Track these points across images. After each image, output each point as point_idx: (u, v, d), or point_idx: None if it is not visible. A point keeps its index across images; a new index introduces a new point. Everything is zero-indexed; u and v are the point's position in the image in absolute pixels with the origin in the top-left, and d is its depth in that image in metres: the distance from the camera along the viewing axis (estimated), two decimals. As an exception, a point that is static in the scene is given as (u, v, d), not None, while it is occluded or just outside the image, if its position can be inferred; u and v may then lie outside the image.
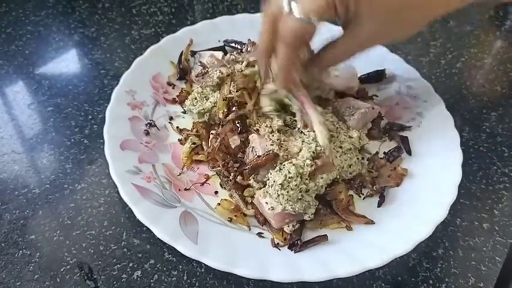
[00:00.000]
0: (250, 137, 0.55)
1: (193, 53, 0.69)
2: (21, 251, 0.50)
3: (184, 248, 0.48)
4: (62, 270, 0.49)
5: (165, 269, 0.50)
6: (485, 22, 0.88)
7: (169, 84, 0.67)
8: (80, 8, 0.82)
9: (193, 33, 0.71)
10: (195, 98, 0.62)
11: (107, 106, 0.59)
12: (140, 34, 0.78)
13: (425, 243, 0.50)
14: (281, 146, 0.53)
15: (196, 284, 0.49)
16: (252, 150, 0.53)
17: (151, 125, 0.61)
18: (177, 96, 0.65)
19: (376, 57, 0.70)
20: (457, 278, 0.51)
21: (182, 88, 0.67)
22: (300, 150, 0.53)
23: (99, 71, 0.71)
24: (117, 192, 0.52)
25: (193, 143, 0.59)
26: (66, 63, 0.72)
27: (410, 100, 0.66)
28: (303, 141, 0.54)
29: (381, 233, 0.52)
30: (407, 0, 0.47)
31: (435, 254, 0.53)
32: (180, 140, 0.60)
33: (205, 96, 0.62)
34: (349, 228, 0.52)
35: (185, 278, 0.50)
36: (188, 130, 0.61)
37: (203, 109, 0.61)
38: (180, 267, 0.50)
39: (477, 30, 0.85)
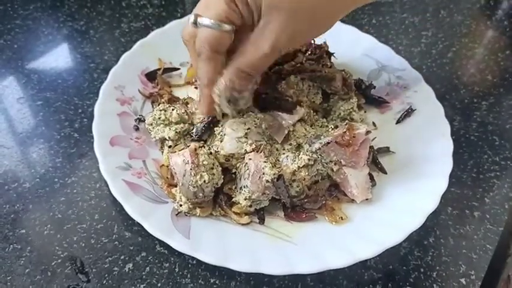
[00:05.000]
0: (246, 155, 0.53)
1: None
2: (11, 246, 0.50)
3: (177, 243, 0.48)
4: (53, 264, 0.49)
5: (156, 261, 0.50)
6: (476, 12, 0.88)
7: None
8: (68, 1, 0.81)
9: (181, 27, 0.69)
10: (151, 124, 0.57)
11: (97, 100, 0.59)
12: (130, 27, 0.77)
13: (416, 232, 0.50)
14: (275, 165, 0.52)
15: (188, 275, 0.49)
16: (244, 165, 0.52)
17: (141, 120, 0.60)
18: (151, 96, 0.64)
19: (366, 48, 0.70)
20: (448, 266, 0.52)
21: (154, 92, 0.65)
22: (294, 171, 0.52)
23: (88, 65, 0.70)
24: (108, 185, 0.51)
25: (169, 146, 0.56)
26: (55, 57, 0.72)
27: (400, 90, 0.66)
28: (294, 161, 0.53)
29: (373, 223, 0.52)
30: None
31: (426, 243, 0.53)
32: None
33: (163, 121, 0.56)
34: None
35: (177, 270, 0.50)
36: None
37: (163, 137, 0.57)
38: (172, 259, 0.50)
39: (468, 19, 0.85)
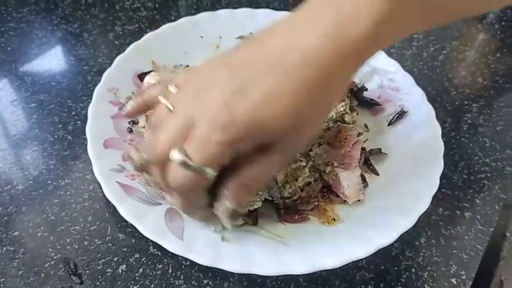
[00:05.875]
0: None
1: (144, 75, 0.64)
2: (5, 248, 0.50)
3: (170, 244, 0.48)
4: (46, 266, 0.49)
5: (150, 262, 0.50)
6: (467, 15, 0.89)
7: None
8: (62, 4, 0.81)
9: (175, 29, 0.70)
10: (143, 127, 0.59)
11: (90, 102, 0.59)
12: (124, 30, 0.77)
13: (407, 233, 0.50)
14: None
15: (181, 277, 0.49)
16: None
17: (134, 122, 0.60)
18: None
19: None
20: (439, 266, 0.52)
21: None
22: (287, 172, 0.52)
23: (82, 67, 0.70)
24: (102, 187, 0.51)
25: None
26: (49, 59, 0.72)
27: (392, 93, 0.66)
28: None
29: (364, 224, 0.52)
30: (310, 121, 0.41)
31: (417, 243, 0.54)
32: None
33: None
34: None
35: (170, 271, 0.50)
36: None
37: None
38: (165, 260, 0.50)
39: (459, 22, 0.86)
